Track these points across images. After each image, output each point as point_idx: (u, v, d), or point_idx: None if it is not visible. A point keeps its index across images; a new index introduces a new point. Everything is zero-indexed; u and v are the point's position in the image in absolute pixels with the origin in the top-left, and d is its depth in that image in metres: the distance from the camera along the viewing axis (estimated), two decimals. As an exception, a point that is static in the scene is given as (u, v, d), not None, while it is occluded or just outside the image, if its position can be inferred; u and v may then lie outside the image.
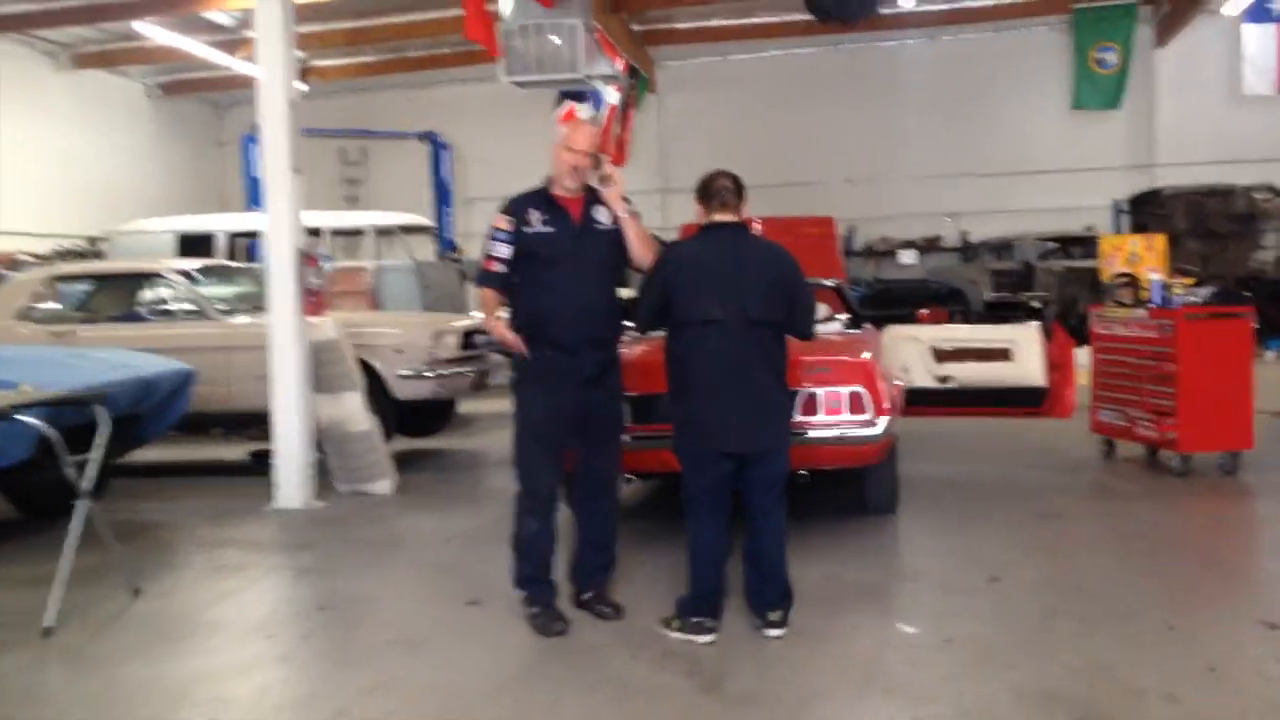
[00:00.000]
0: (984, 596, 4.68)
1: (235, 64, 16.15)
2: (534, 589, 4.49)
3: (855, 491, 6.26)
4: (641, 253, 4.47)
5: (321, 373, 7.22)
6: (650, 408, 5.57)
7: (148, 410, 6.53)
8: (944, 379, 7.50)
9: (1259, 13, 14.99)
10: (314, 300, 7.04)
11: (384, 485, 7.39)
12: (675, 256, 4.36)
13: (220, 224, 12.89)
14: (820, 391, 5.52)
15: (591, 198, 4.53)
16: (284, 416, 7.00)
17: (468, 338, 8.66)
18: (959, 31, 18.55)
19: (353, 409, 7.31)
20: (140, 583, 5.20)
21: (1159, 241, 13.64)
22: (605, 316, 4.49)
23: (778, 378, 4.27)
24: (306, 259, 7.02)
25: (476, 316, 9.49)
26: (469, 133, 20.05)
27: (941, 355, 7.59)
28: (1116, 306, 7.71)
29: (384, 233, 13.17)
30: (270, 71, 6.97)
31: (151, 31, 15.44)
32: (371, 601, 4.94)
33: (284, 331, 6.98)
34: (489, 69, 14.98)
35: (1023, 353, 7.38)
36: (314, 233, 12.83)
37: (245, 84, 17.20)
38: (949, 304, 15.07)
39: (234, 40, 16.03)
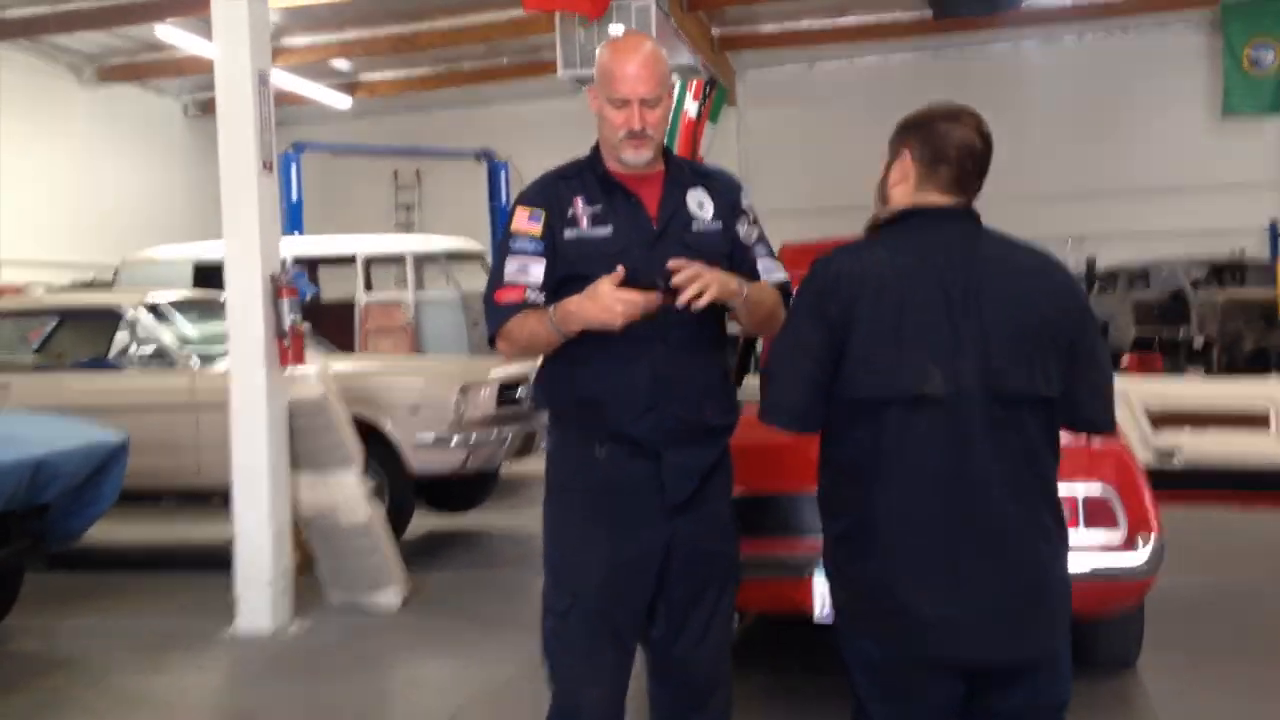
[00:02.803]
0: None
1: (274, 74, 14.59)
2: None
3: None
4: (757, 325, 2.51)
5: (303, 443, 5.28)
6: (766, 514, 3.60)
7: (56, 499, 4.71)
8: (1167, 454, 5.33)
9: None
10: (290, 345, 5.10)
11: (389, 596, 5.43)
12: (842, 273, 2.19)
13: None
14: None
15: (681, 174, 2.55)
16: (247, 505, 5.06)
17: (507, 390, 6.66)
18: (1082, 31, 16.44)
19: (347, 493, 5.35)
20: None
21: (1346, 267, 11.50)
22: (709, 390, 2.45)
23: (1051, 511, 2.16)
24: (280, 289, 5.10)
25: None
26: (530, 151, 18.11)
27: (1159, 420, 5.43)
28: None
29: (426, 259, 11.32)
30: (230, 39, 5.07)
31: (179, 39, 14.03)
32: None
33: (248, 387, 5.04)
34: (550, 80, 13.29)
35: (1292, 419, 5.19)
36: (350, 260, 11.18)
37: (294, 100, 15.90)
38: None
39: (274, 49, 14.43)
